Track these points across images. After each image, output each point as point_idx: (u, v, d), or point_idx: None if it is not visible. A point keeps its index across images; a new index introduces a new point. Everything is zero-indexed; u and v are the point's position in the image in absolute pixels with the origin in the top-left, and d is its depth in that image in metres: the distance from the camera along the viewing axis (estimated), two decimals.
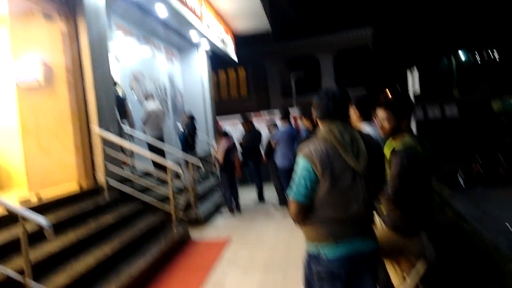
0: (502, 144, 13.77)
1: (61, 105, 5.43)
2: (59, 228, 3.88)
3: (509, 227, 5.86)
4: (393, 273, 2.63)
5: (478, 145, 13.75)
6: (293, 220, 1.98)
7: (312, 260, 1.94)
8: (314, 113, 2.04)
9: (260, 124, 9.08)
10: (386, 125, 2.43)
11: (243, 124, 7.87)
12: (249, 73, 22.17)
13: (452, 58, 30.78)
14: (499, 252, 3.83)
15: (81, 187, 5.33)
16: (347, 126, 1.93)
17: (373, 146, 1.93)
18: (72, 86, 5.49)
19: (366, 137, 1.94)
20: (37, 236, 3.54)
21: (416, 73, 7.08)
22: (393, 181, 2.33)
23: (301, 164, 1.88)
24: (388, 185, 2.34)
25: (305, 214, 1.90)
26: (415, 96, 7.20)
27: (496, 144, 13.85)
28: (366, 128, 2.88)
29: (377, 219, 2.64)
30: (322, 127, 1.97)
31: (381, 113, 2.45)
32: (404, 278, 2.53)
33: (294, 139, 6.52)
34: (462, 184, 11.27)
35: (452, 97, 21.31)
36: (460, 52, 32.17)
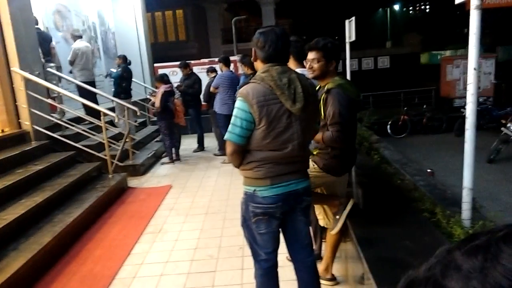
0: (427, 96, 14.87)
1: None
2: None
3: (427, 170, 6.47)
4: (321, 212, 2.81)
5: (406, 95, 14.72)
6: (229, 161, 2.01)
7: (248, 199, 2.01)
8: (255, 53, 1.96)
9: (200, 72, 8.78)
10: (316, 66, 2.48)
11: (182, 69, 7.58)
12: (188, 16, 21.09)
13: (388, 10, 31.67)
14: (417, 190, 4.24)
15: (4, 134, 4.90)
16: (285, 68, 1.92)
17: (310, 88, 1.95)
18: None
19: (303, 80, 1.95)
20: None
21: (353, 24, 7.18)
22: (336, 118, 2.36)
23: (238, 105, 1.87)
24: (326, 125, 2.41)
25: (240, 155, 1.94)
26: (350, 46, 7.36)
27: (422, 96, 14.92)
28: (299, 72, 2.91)
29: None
30: (260, 69, 1.94)
31: (311, 55, 2.50)
32: (333, 216, 2.72)
33: (234, 84, 6.41)
34: (390, 132, 12.11)
35: (385, 49, 22.17)
36: (395, 5, 33.11)
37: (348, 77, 7.32)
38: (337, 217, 2.71)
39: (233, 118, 1.89)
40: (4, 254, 3.04)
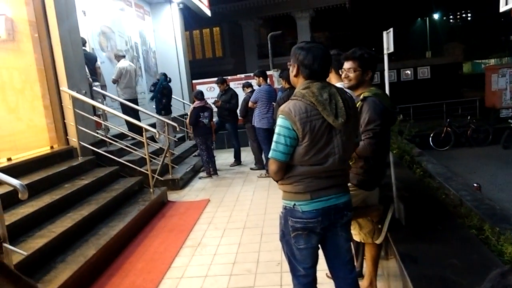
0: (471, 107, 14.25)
1: (27, 62, 5.17)
2: (33, 191, 3.80)
3: (473, 184, 6.17)
4: (356, 227, 2.74)
5: (448, 106, 14.19)
6: (273, 178, 2.02)
7: (288, 214, 2.00)
8: (298, 69, 1.95)
9: (237, 87, 8.93)
10: (352, 75, 2.49)
11: (219, 85, 7.75)
12: (224, 33, 21.60)
13: (427, 20, 30.92)
14: (463, 205, 4.05)
15: (53, 150, 5.19)
16: (325, 84, 1.92)
17: (350, 101, 1.94)
18: (37, 41, 5.20)
19: (343, 93, 1.94)
20: (11, 199, 3.47)
21: (391, 35, 7.07)
22: (370, 125, 2.34)
23: (281, 123, 1.89)
24: (362, 135, 2.38)
25: (284, 172, 1.94)
26: (389, 58, 7.25)
27: (465, 106, 14.34)
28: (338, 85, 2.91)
29: None
30: (300, 85, 1.95)
31: (347, 65, 2.50)
32: (376, 226, 2.65)
33: (272, 98, 6.45)
34: (432, 145, 11.68)
35: (425, 59, 21.56)
36: (434, 14, 32.29)
37: (387, 88, 7.16)
38: (380, 226, 2.64)
39: (275, 136, 1.90)
40: (53, 266, 3.18)
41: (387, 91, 7.36)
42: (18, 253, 2.78)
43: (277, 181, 2.03)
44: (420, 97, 14.66)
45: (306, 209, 1.93)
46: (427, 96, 14.70)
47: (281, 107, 1.91)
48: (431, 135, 11.78)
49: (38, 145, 5.14)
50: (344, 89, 2.16)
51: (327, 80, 2.00)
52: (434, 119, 13.42)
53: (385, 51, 7.11)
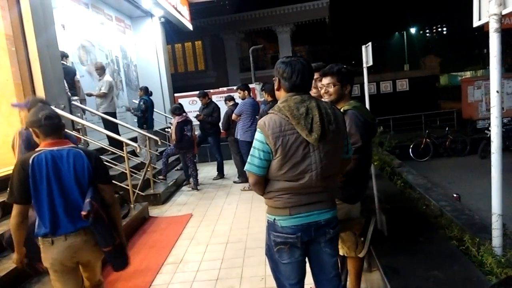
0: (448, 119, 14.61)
1: (3, 76, 5.05)
2: (6, 208, 3.66)
3: (453, 194, 6.28)
4: (340, 243, 2.72)
5: (427, 118, 14.51)
6: (254, 190, 2.02)
7: (270, 228, 1.99)
8: (279, 82, 1.96)
9: (219, 100, 8.93)
10: (331, 90, 2.54)
11: (200, 99, 7.73)
12: (206, 46, 21.69)
13: (404, 34, 31.77)
14: (443, 216, 4.11)
15: None
16: (305, 97, 1.90)
17: (332, 116, 1.90)
18: (14, 55, 5.09)
19: (325, 108, 1.91)
20: None
21: (370, 49, 7.23)
22: (352, 139, 2.36)
23: (256, 137, 1.89)
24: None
25: (262, 185, 1.94)
26: (368, 71, 7.39)
27: (443, 118, 14.69)
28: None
29: None
30: (280, 99, 1.95)
31: (325, 80, 2.56)
32: (359, 238, 2.64)
33: (256, 111, 6.47)
34: (412, 155, 11.89)
35: (403, 72, 22.09)
36: (411, 28, 33.23)
37: (367, 100, 7.29)
38: (362, 239, 2.64)
39: (252, 149, 1.91)
40: (28, 286, 3.06)
41: (367, 103, 7.48)
42: None
43: (260, 195, 2.02)
44: (399, 109, 14.96)
45: (285, 225, 1.92)
46: (406, 108, 15.01)
47: (259, 121, 1.91)
48: (411, 146, 11.99)
49: (14, 162, 4.98)
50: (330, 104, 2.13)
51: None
52: (413, 130, 13.68)
53: (364, 64, 7.26)
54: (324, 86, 2.57)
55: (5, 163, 4.85)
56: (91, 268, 2.43)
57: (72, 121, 5.69)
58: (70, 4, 7.62)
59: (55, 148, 2.21)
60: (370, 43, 6.84)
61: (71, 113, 5.76)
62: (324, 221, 1.97)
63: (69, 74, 6.31)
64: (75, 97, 6.34)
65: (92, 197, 2.20)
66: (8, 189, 2.19)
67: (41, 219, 2.17)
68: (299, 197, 1.91)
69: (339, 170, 2.09)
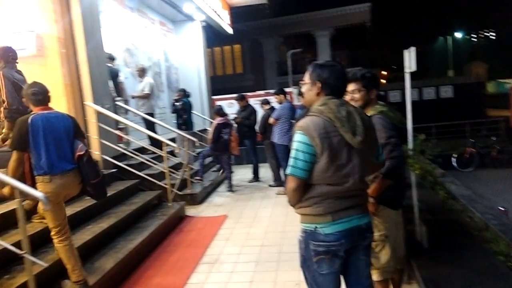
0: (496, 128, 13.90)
1: (54, 77, 5.32)
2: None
3: (499, 207, 5.96)
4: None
5: (472, 126, 13.89)
6: (290, 199, 1.95)
7: (309, 238, 1.92)
8: (317, 86, 1.93)
9: (256, 104, 8.99)
10: (357, 96, 2.52)
11: (238, 102, 7.82)
12: (245, 50, 21.90)
13: (449, 38, 30.59)
14: (489, 229, 3.91)
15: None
16: (342, 101, 1.91)
17: (367, 121, 1.93)
18: (65, 57, 5.37)
19: (361, 112, 1.93)
20: (34, 211, 3.54)
21: (413, 53, 7.02)
22: (385, 139, 2.34)
23: (299, 139, 1.84)
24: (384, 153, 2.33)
25: (302, 191, 1.88)
26: (411, 77, 7.17)
27: (489, 127, 14.00)
28: None
29: None
30: (318, 102, 1.92)
31: (351, 86, 2.53)
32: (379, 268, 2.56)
33: (294, 116, 6.46)
34: (455, 165, 11.41)
35: (448, 78, 21.28)
36: (456, 33, 31.94)
37: (409, 107, 7.07)
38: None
39: (293, 152, 1.86)
40: None
41: (408, 110, 7.26)
42: (39, 264, 2.81)
43: (293, 205, 1.96)
44: (443, 116, 14.42)
45: (328, 232, 1.87)
46: (449, 115, 14.44)
47: (299, 123, 1.88)
48: (454, 155, 11.51)
49: None
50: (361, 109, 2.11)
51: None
52: (457, 139, 13.14)
53: (406, 70, 7.05)
54: (349, 93, 2.52)
55: None
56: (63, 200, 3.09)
57: (116, 120, 5.93)
58: (116, 8, 7.95)
59: (45, 112, 2.95)
60: (413, 48, 6.64)
61: (115, 113, 6.00)
62: (365, 224, 1.95)
63: (114, 75, 6.57)
64: (119, 98, 6.60)
65: (82, 145, 3.02)
66: (10, 141, 2.91)
67: (39, 162, 2.84)
68: (341, 201, 1.88)
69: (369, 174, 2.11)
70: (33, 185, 2.87)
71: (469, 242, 3.24)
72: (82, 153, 2.97)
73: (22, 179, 2.87)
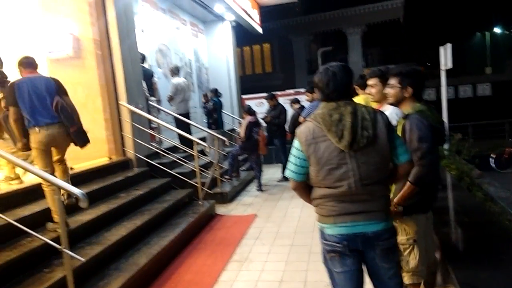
0: None
1: (90, 78, 5.52)
2: (92, 199, 3.99)
3: None
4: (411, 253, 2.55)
5: (511, 125, 13.28)
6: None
7: (321, 235, 2.00)
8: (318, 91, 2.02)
9: (286, 103, 8.97)
10: (391, 92, 2.45)
11: (268, 101, 7.83)
12: (275, 49, 21.87)
13: (487, 34, 29.30)
14: None
15: (111, 161, 5.47)
16: (341, 104, 1.85)
17: (368, 122, 1.81)
18: (100, 59, 5.56)
19: (362, 113, 1.83)
20: (70, 207, 3.67)
21: (449, 50, 6.79)
22: (416, 145, 2.21)
23: (294, 143, 1.97)
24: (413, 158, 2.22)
25: (303, 191, 2.01)
26: (446, 74, 6.95)
27: None
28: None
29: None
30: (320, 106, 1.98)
31: (389, 81, 2.49)
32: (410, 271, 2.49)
33: None
34: (493, 166, 10.94)
35: (485, 75, 20.41)
36: (495, 28, 30.56)
37: (444, 105, 6.86)
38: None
39: (290, 155, 2.00)
40: (107, 272, 3.32)
41: (444, 108, 7.01)
42: (76, 258, 2.93)
43: (307, 202, 2.08)
44: (480, 115, 13.85)
45: (331, 233, 1.91)
46: (487, 114, 13.86)
47: (296, 129, 2.00)
48: (493, 155, 11.04)
49: (97, 156, 5.44)
50: (374, 109, 2.00)
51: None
52: (496, 138, 12.59)
53: (442, 67, 6.83)
54: (387, 87, 2.50)
55: (92, 157, 5.33)
56: (61, 151, 3.65)
57: (149, 120, 6.07)
58: (149, 10, 8.13)
59: (31, 75, 3.51)
60: (449, 44, 6.42)
61: (148, 112, 6.15)
62: (372, 233, 1.86)
63: (147, 76, 6.73)
64: (152, 98, 6.75)
65: (59, 98, 3.51)
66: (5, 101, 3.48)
67: (29, 117, 3.38)
68: (343, 205, 1.86)
69: (394, 177, 1.98)
70: (25, 136, 3.45)
71: (509, 246, 3.10)
72: (55, 103, 3.47)
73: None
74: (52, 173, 3.44)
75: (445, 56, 6.83)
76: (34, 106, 3.39)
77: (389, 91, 2.45)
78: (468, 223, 3.66)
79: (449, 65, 6.58)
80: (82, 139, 3.67)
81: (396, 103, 2.45)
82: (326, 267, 2.05)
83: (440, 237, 3.29)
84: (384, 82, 2.62)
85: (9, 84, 3.53)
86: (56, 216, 3.35)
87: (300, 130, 1.92)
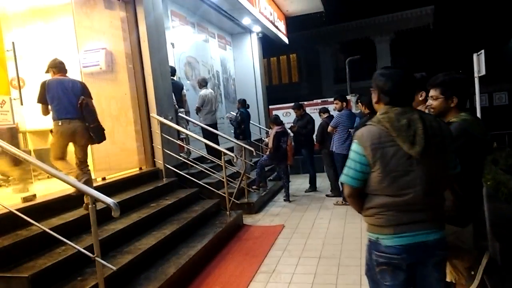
0: None
1: (122, 91, 5.69)
2: (123, 209, 4.09)
3: None
4: (448, 265, 2.46)
5: None
6: (350, 204, 1.98)
7: (372, 247, 1.90)
8: (376, 94, 1.91)
9: (313, 112, 8.93)
10: (434, 103, 2.34)
11: (295, 110, 7.81)
12: (301, 59, 21.90)
13: None
14: None
15: (142, 171, 5.59)
16: (407, 109, 1.82)
17: (437, 130, 1.79)
18: (132, 72, 5.74)
19: (430, 120, 1.81)
20: (103, 216, 3.77)
21: (482, 57, 6.58)
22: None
23: (353, 148, 1.85)
24: None
25: (358, 199, 1.89)
26: (480, 81, 6.73)
27: None
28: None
29: None
30: (379, 111, 1.88)
31: (430, 92, 2.37)
32: (461, 272, 2.39)
33: (352, 123, 6.30)
34: None
35: None
36: None
37: (478, 114, 6.64)
38: (472, 272, 2.38)
39: (348, 160, 1.88)
40: (137, 282, 3.38)
41: (478, 116, 6.78)
42: (108, 267, 2.99)
43: (359, 212, 1.96)
44: None
45: (389, 244, 1.81)
46: None
47: (356, 132, 1.88)
48: None
49: (129, 167, 5.58)
50: (436, 118, 1.96)
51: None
52: None
53: (475, 74, 6.63)
54: (429, 99, 2.40)
55: (123, 168, 5.47)
56: (82, 148, 4.02)
57: (178, 131, 6.19)
58: (179, 24, 8.34)
59: (60, 77, 3.96)
60: (482, 51, 6.23)
61: (177, 124, 6.27)
62: (433, 241, 1.83)
63: (178, 89, 6.87)
64: (181, 109, 6.89)
65: (84, 98, 3.93)
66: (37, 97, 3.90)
67: (54, 112, 3.85)
68: (404, 214, 1.80)
69: (447, 187, 1.94)
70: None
71: None
72: (80, 102, 3.89)
73: None
74: (64, 160, 3.97)
75: (479, 63, 6.63)
76: (61, 103, 3.85)
77: (431, 102, 2.37)
78: (507, 236, 3.50)
79: (483, 72, 6.38)
80: (99, 135, 4.05)
81: (441, 115, 2.34)
82: (369, 279, 1.98)
83: (476, 252, 3.15)
84: (447, 93, 2.34)
85: (40, 83, 3.93)
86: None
87: (362, 134, 1.82)
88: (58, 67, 4.02)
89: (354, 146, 1.85)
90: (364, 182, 1.84)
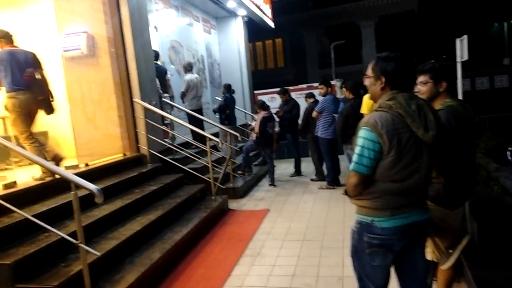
0: None
1: (104, 75, 5.58)
2: (106, 195, 4.06)
3: None
4: (430, 244, 2.54)
5: None
6: (349, 192, 1.91)
7: (364, 229, 1.90)
8: (381, 80, 1.86)
9: (298, 97, 8.93)
10: (423, 88, 2.41)
11: (280, 95, 7.81)
12: (286, 43, 21.78)
13: (505, 25, 28.56)
14: None
15: (125, 157, 5.54)
16: (412, 95, 1.84)
17: (438, 115, 1.84)
18: (114, 56, 5.62)
19: (431, 105, 1.86)
20: (86, 202, 3.74)
21: (465, 42, 6.63)
22: None
23: (365, 135, 1.79)
24: None
25: (363, 186, 1.85)
26: (462, 66, 6.81)
27: None
28: None
29: None
30: (385, 96, 1.86)
31: (419, 78, 2.42)
32: (443, 251, 2.47)
33: (337, 109, 6.32)
34: (510, 159, 10.71)
35: (503, 67, 19.94)
36: None
37: (460, 98, 6.73)
38: (450, 251, 2.46)
39: (358, 148, 1.82)
40: (121, 267, 3.38)
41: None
42: (92, 253, 2.99)
43: (351, 196, 1.93)
44: (498, 107, 13.57)
45: (385, 226, 1.84)
46: (505, 106, 13.57)
47: (365, 119, 1.84)
48: (510, 149, 10.80)
49: (112, 152, 5.52)
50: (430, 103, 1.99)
51: None
52: None
53: (458, 59, 6.69)
54: (418, 84, 2.44)
55: (107, 154, 5.41)
56: (35, 117, 4.20)
57: (162, 116, 6.13)
58: (162, 7, 8.17)
59: (12, 48, 4.04)
60: (465, 36, 6.29)
61: (161, 109, 6.21)
62: (424, 221, 1.90)
63: (161, 73, 6.77)
64: (166, 94, 6.81)
65: (32, 69, 4.02)
66: None
67: (8, 84, 3.95)
68: (401, 197, 1.83)
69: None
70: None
71: None
72: (27, 75, 3.98)
73: None
74: (31, 136, 4.10)
75: (461, 48, 6.69)
76: (13, 74, 3.93)
77: (420, 88, 2.41)
78: (484, 217, 3.61)
79: (465, 57, 6.44)
80: (48, 108, 4.23)
81: (430, 100, 2.36)
82: (356, 261, 2.00)
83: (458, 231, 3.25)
84: (436, 78, 2.42)
85: None
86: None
87: (375, 121, 1.77)
88: (7, 37, 4.07)
89: (367, 133, 1.79)
90: (374, 169, 1.82)
